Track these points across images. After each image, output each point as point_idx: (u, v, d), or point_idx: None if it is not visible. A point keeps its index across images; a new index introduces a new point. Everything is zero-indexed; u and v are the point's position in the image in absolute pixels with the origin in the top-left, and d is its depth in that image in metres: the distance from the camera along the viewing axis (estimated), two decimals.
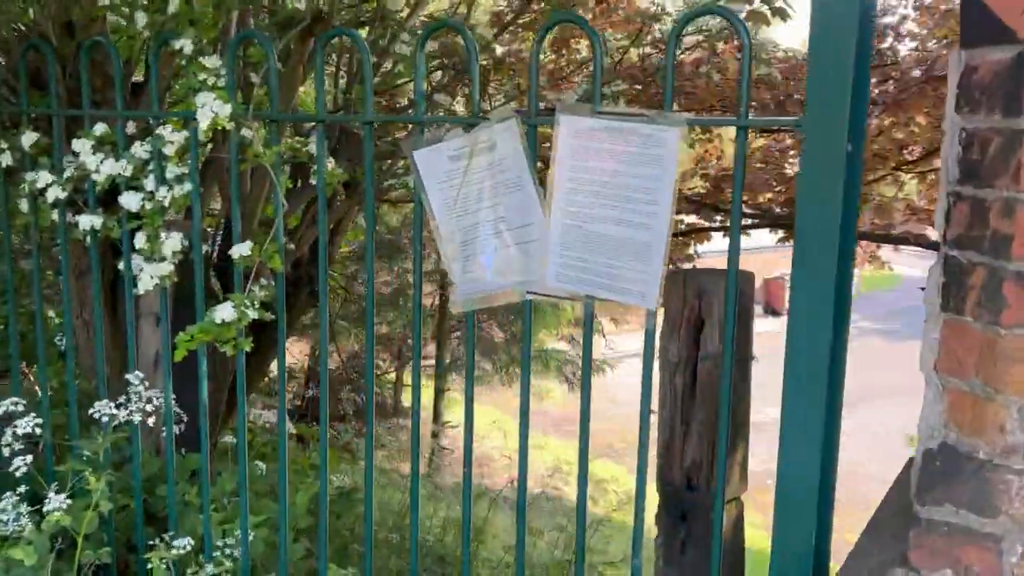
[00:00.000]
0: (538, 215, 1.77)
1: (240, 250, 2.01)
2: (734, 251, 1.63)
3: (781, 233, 7.34)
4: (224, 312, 1.96)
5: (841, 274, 1.48)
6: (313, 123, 2.35)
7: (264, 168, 2.09)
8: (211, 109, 1.97)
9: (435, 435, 10.86)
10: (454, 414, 12.31)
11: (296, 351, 10.94)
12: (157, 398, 2.34)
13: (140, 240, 2.20)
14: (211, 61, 2.08)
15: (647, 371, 1.74)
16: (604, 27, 5.50)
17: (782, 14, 3.79)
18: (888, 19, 7.06)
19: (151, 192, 2.20)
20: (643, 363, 1.74)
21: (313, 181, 2.16)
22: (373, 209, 2.03)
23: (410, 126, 2.01)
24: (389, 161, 3.78)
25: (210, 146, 3.05)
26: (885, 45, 6.86)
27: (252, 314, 1.99)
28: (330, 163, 2.16)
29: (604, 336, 11.58)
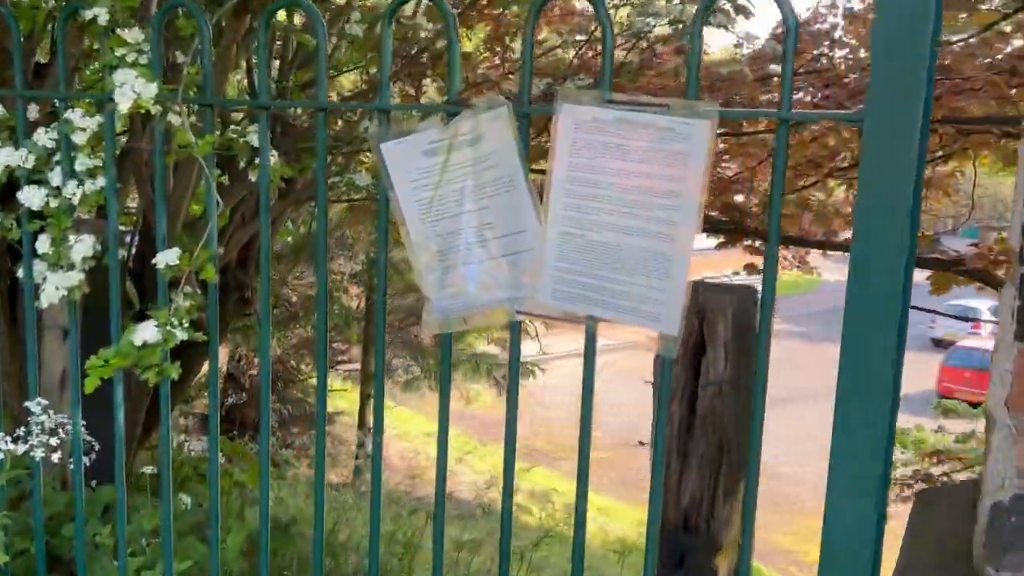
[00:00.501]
0: (531, 221, 1.49)
1: (166, 258, 1.68)
2: (771, 264, 1.38)
3: (721, 238, 7.21)
4: (146, 332, 1.63)
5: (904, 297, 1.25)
6: (246, 112, 2.03)
7: (188, 163, 1.77)
8: (132, 89, 1.64)
9: (361, 445, 10.47)
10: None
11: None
12: (63, 427, 1.99)
13: (43, 243, 1.85)
14: (132, 35, 1.75)
15: (661, 408, 1.48)
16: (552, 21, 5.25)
17: (745, 11, 3.61)
18: (820, 25, 6.99)
19: (57, 187, 1.85)
20: (655, 396, 1.48)
21: (252, 177, 1.84)
22: (325, 207, 1.72)
23: (356, 118, 1.71)
24: (329, 156, 3.45)
25: (126, 135, 2.68)
26: (819, 51, 6.80)
27: (180, 335, 1.66)
28: (273, 156, 1.85)
29: (537, 339, 11.36)
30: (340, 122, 3.09)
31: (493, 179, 1.50)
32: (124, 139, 3.00)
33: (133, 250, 3.24)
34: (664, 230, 1.38)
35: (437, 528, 1.68)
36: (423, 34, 3.16)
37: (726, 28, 3.57)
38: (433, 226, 1.56)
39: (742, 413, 1.84)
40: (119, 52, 1.74)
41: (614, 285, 1.43)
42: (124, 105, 1.64)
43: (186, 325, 1.69)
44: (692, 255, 1.37)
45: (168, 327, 1.66)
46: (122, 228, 3.79)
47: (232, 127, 2.07)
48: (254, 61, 2.84)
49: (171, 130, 1.78)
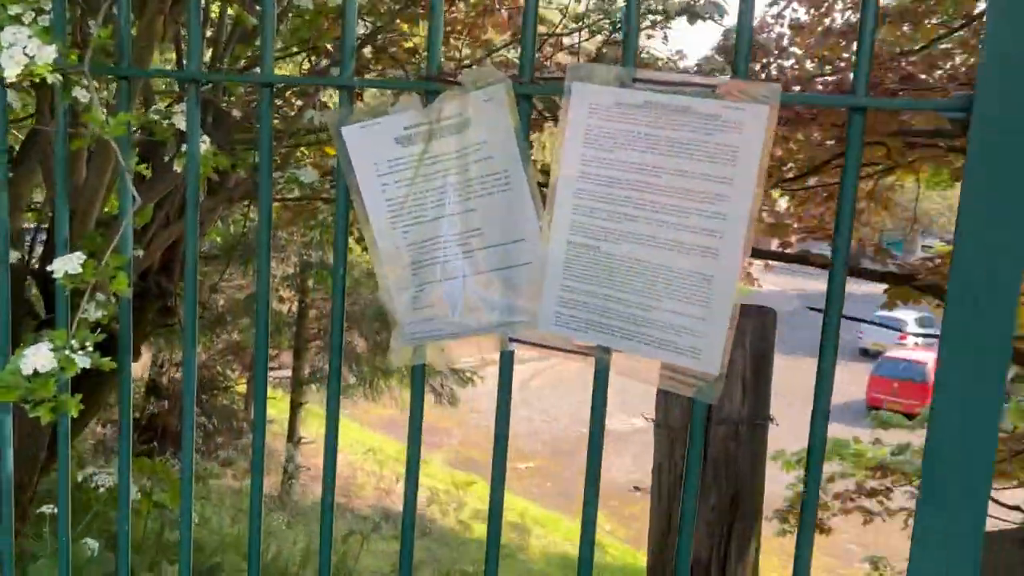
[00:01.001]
0: (531, 228, 1.20)
1: (66, 265, 1.34)
2: (838, 278, 1.11)
3: None
4: (37, 359, 1.29)
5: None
6: (176, 96, 1.69)
7: (106, 150, 1.43)
8: (24, 51, 1.30)
9: (291, 458, 10.04)
10: (311, 430, 11.49)
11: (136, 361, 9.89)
12: None
13: None
14: None
15: (696, 452, 1.19)
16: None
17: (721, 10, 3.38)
18: (764, 35, 6.86)
19: None
20: (691, 438, 1.20)
21: (178, 167, 1.51)
22: (270, 201, 1.40)
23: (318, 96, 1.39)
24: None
25: (33, 118, 2.31)
26: (768, 60, 6.66)
27: (81, 361, 1.32)
28: (204, 142, 1.52)
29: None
30: (281, 111, 2.75)
31: (484, 175, 1.21)
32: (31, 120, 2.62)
33: (40, 247, 2.85)
34: (705, 243, 1.10)
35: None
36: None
37: (714, 20, 3.32)
38: (406, 232, 1.25)
39: (758, 457, 1.58)
40: (12, 9, 1.39)
41: (637, 310, 1.15)
42: (11, 72, 1.29)
43: (90, 348, 1.35)
44: (739, 275, 1.10)
45: (68, 351, 1.32)
46: (30, 225, 3.38)
47: (157, 109, 1.73)
48: (183, 34, 2.48)
49: (78, 107, 1.45)
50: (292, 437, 10.75)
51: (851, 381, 16.02)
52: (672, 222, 1.12)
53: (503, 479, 1.29)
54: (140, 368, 9.82)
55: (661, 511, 1.59)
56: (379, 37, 3.17)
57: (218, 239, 6.63)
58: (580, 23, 4.17)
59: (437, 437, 14.67)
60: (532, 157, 1.19)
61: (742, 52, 1.10)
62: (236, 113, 2.79)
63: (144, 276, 2.98)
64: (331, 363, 1.36)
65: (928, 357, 17.44)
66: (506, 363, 1.26)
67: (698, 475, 1.20)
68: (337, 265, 1.34)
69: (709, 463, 1.57)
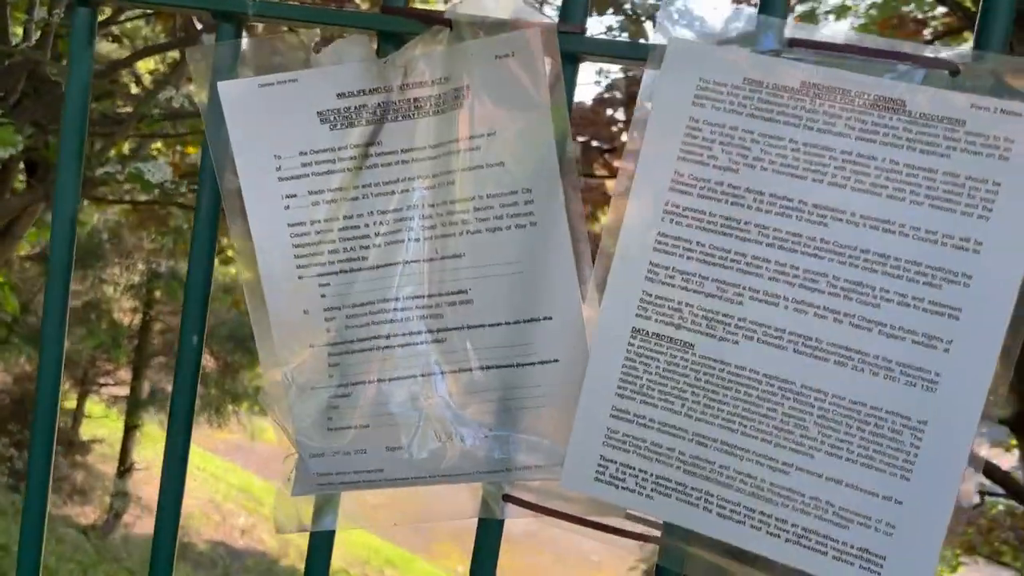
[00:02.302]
0: (565, 299, 0.65)
1: None
2: None
3: None
4: None
5: None
6: None
7: None
8: None
9: (120, 495, 9.04)
10: (145, 454, 10.45)
11: None
12: None
13: None
14: None
15: None
16: None
17: None
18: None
19: None
20: None
21: None
22: (77, 183, 0.79)
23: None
24: (102, 142, 2.41)
25: None
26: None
27: None
28: None
29: None
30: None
31: (484, 194, 0.65)
32: None
33: None
34: (917, 360, 0.58)
35: None
36: None
37: None
38: (324, 285, 0.68)
39: None
40: None
41: (763, 469, 0.61)
42: None
43: None
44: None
45: None
46: None
47: None
48: None
49: None
50: (124, 462, 9.71)
51: None
52: (850, 313, 0.59)
53: None
54: None
55: None
56: None
57: (47, 238, 5.74)
58: None
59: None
60: (578, 171, 0.64)
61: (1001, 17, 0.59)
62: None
63: None
64: (173, 403, 0.77)
65: None
66: (489, 535, 0.70)
67: None
68: (189, 327, 0.75)
69: None
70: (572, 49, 0.63)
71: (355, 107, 0.66)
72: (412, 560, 11.63)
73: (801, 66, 0.60)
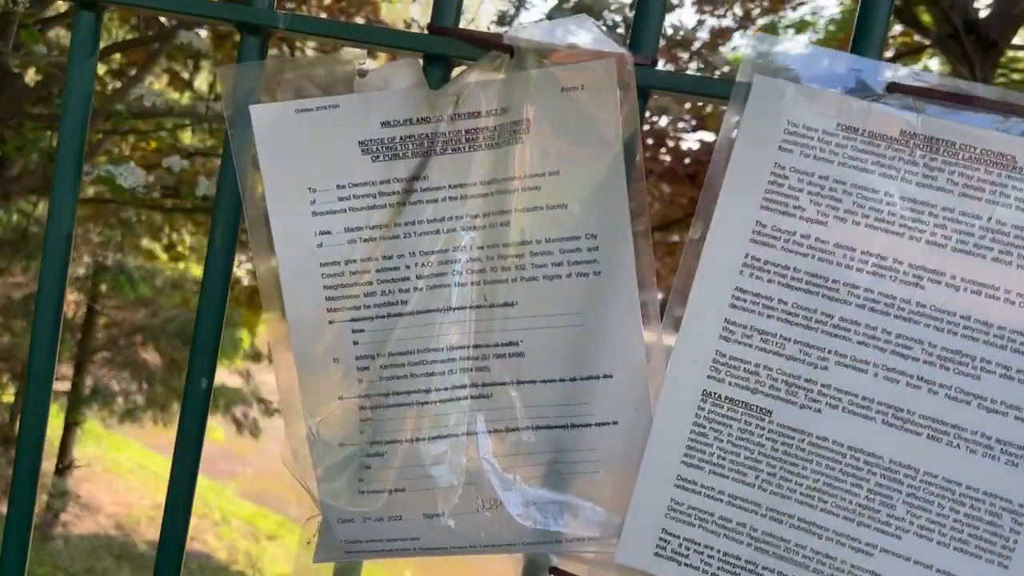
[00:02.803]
0: (628, 355, 0.59)
1: None
2: None
3: None
4: None
5: None
6: None
7: None
8: None
9: (59, 494, 8.77)
10: (86, 451, 10.17)
11: None
12: None
13: None
14: None
15: None
16: None
17: None
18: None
19: None
20: None
21: None
22: (75, 192, 0.72)
23: None
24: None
25: None
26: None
27: None
28: None
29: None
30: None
31: (544, 238, 0.59)
32: None
33: None
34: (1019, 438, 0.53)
35: None
36: None
37: None
38: (358, 332, 0.61)
39: None
40: None
41: (845, 549, 0.56)
42: None
43: None
44: None
45: None
46: None
47: None
48: None
49: None
50: (64, 459, 9.43)
51: None
52: (947, 384, 0.54)
53: None
54: None
55: None
56: None
57: None
58: None
59: (231, 465, 13.52)
60: (645, 213, 0.58)
61: None
62: (30, 77, 2.00)
63: None
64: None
65: None
66: None
67: None
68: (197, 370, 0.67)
69: None
70: (647, 83, 0.58)
71: (401, 137, 0.60)
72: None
73: (902, 114, 0.55)
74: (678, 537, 0.59)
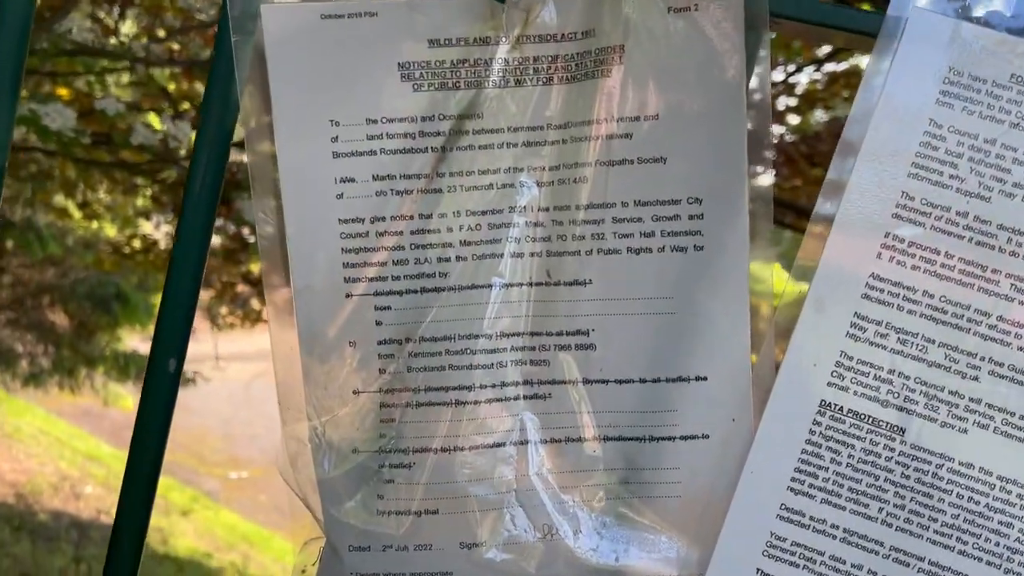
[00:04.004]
0: (727, 352, 0.47)
1: None
2: None
3: None
4: None
5: None
6: None
7: None
8: None
9: None
10: None
11: None
12: None
13: None
14: None
15: None
16: None
17: None
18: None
19: None
20: None
21: None
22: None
23: None
24: None
25: None
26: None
27: None
28: None
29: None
30: None
31: (633, 200, 0.46)
32: None
33: None
34: None
35: None
36: None
37: None
38: (384, 303, 0.48)
39: None
40: None
41: None
42: None
43: None
44: None
45: None
46: None
47: None
48: None
49: None
50: None
51: None
52: None
53: None
54: None
55: None
56: None
57: None
58: None
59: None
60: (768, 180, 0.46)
61: None
62: None
63: None
64: None
65: None
66: None
67: None
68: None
69: None
70: (777, 9, 0.45)
71: (452, 61, 0.46)
72: (270, 538, 11.24)
73: None
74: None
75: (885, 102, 0.45)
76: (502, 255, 0.47)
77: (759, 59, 0.45)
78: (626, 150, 0.46)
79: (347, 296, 0.48)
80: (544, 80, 0.47)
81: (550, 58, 0.46)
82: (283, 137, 0.46)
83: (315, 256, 0.47)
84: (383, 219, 0.47)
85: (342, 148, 0.46)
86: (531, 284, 0.48)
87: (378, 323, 0.48)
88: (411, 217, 0.47)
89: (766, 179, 0.46)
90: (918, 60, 0.45)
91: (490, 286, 0.48)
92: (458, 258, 0.48)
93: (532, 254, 0.48)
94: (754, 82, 0.45)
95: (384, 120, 0.46)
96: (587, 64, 0.46)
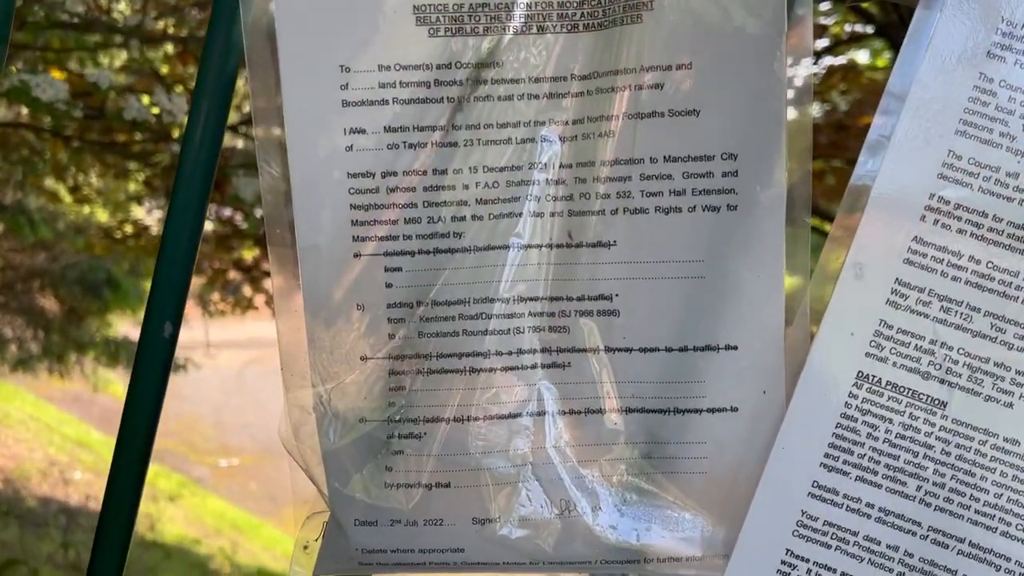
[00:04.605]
0: (758, 321, 0.44)
1: None
2: None
3: None
4: None
5: None
6: None
7: None
8: None
9: None
10: None
11: None
12: None
13: None
14: None
15: None
16: None
17: None
18: None
19: None
20: None
21: None
22: None
23: None
24: None
25: None
26: None
27: None
28: None
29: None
30: None
31: (661, 155, 0.44)
32: None
33: None
34: None
35: None
36: None
37: None
38: (395, 264, 0.45)
39: None
40: None
41: None
42: None
43: None
44: None
45: None
46: None
47: None
48: None
49: None
50: None
51: None
52: None
53: None
54: None
55: None
56: None
57: None
58: None
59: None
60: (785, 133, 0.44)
61: None
62: None
63: None
64: None
65: None
66: None
67: None
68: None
69: None
70: None
71: (471, 5, 0.43)
72: (260, 526, 11.21)
73: None
74: (807, 561, 0.45)
75: (932, 54, 0.42)
76: (521, 214, 0.45)
77: (800, 1, 0.42)
78: (656, 102, 0.43)
79: (355, 256, 0.45)
80: (569, 27, 0.44)
81: (576, 3, 0.43)
82: (289, 83, 0.43)
83: (321, 213, 0.44)
84: (395, 174, 0.44)
85: (352, 96, 0.43)
86: (551, 246, 0.45)
87: (388, 285, 0.45)
88: (424, 172, 0.44)
89: (805, 135, 0.43)
90: (967, 10, 0.42)
91: (507, 247, 0.45)
92: (474, 217, 0.45)
93: (553, 214, 0.45)
94: (794, 27, 0.42)
95: (397, 67, 0.43)
96: (615, 9, 0.43)
